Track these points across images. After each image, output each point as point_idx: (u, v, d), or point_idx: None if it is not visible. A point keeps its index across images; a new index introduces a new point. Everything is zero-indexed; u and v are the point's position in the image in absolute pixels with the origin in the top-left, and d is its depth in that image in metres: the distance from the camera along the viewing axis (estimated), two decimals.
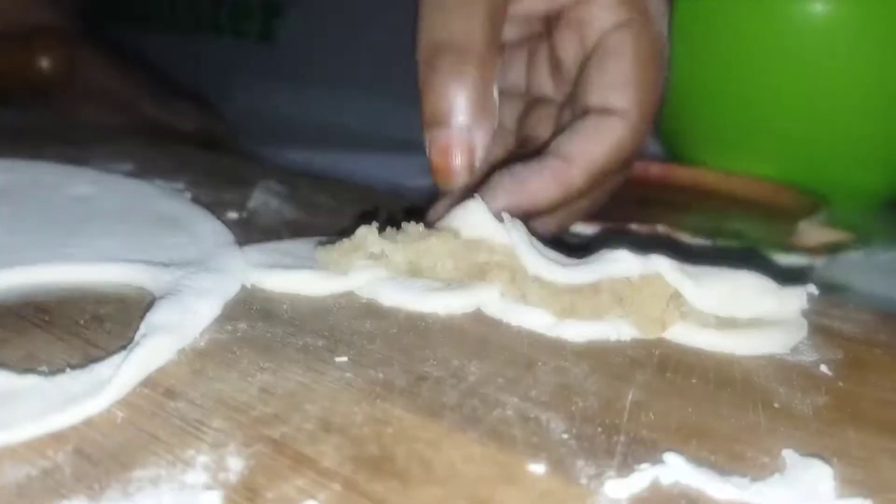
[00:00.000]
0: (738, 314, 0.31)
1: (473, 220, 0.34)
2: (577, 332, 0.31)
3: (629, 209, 0.64)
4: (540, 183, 0.38)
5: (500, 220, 0.33)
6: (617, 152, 0.39)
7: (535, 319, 0.31)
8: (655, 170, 0.72)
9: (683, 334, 0.31)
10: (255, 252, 0.36)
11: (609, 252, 0.31)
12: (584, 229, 0.52)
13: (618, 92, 0.39)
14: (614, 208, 0.55)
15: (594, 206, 0.44)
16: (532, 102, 0.46)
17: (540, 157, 0.39)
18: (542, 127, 0.44)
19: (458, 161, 0.35)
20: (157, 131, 0.72)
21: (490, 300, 0.32)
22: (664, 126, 0.81)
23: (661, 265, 0.31)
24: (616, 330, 0.31)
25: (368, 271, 0.34)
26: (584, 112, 0.40)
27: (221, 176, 0.53)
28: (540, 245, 0.33)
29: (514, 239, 0.32)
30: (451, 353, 0.29)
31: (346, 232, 0.35)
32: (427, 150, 0.36)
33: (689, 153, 0.79)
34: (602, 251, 0.31)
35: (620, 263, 0.31)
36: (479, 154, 0.35)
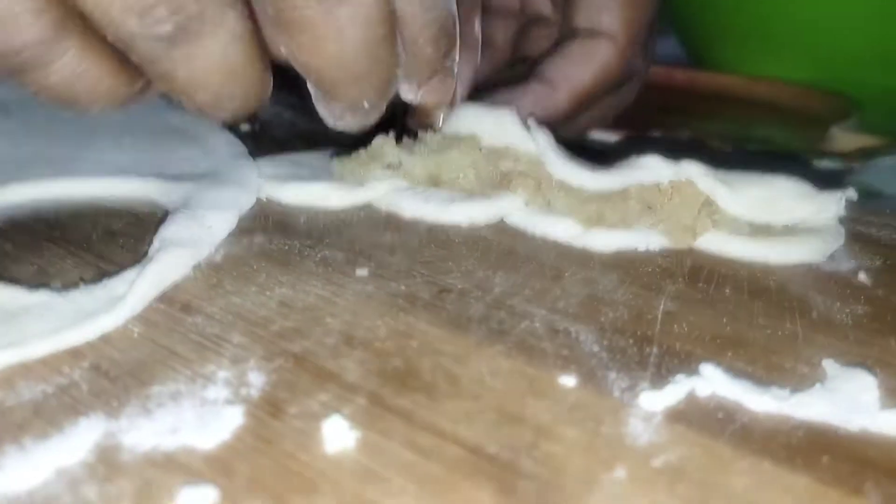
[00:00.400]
0: (774, 220, 0.30)
1: (497, 128, 0.32)
2: (605, 241, 0.29)
3: (652, 117, 0.62)
4: (523, 108, 0.36)
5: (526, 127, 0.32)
6: (603, 75, 0.38)
7: (561, 229, 0.30)
8: (679, 76, 0.69)
9: (715, 243, 0.30)
10: (270, 164, 0.35)
11: (638, 158, 0.30)
12: (606, 136, 0.50)
13: (605, 13, 0.38)
14: (636, 115, 0.53)
15: (590, 126, 0.43)
16: (529, 22, 0.44)
17: (525, 81, 0.38)
18: (539, 47, 0.43)
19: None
20: None
21: (514, 209, 0.31)
22: (687, 30, 0.78)
23: (693, 171, 0.29)
24: (645, 239, 0.30)
25: (387, 182, 0.32)
26: (572, 34, 0.39)
27: None
28: (566, 152, 0.31)
29: (541, 144, 0.31)
30: (475, 264, 0.28)
31: (363, 142, 0.33)
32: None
33: (713, 57, 0.76)
34: (631, 157, 0.30)
35: (651, 169, 0.29)
36: (461, 90, 0.34)
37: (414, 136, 0.34)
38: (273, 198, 0.32)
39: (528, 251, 0.29)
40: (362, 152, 0.33)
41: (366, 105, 0.27)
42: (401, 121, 0.35)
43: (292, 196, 0.32)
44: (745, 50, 0.72)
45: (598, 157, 0.32)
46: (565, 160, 0.30)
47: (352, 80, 0.26)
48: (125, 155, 0.35)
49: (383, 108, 0.29)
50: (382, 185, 0.32)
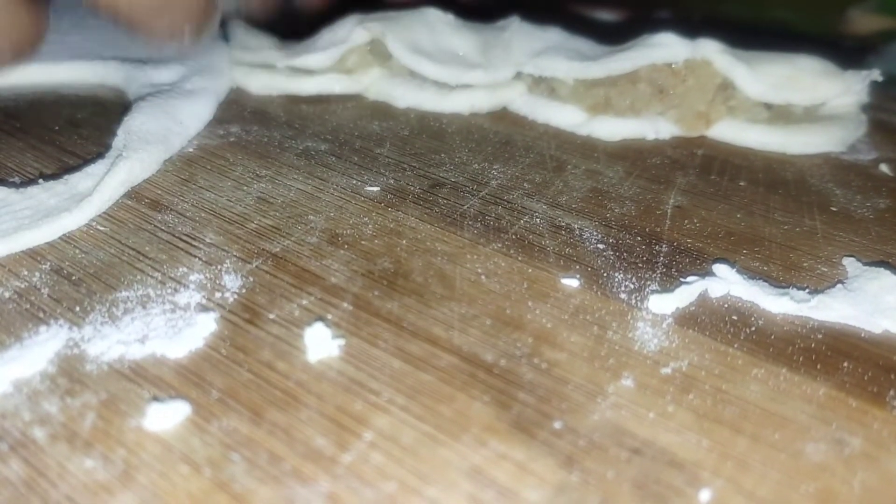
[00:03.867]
0: (795, 100, 0.27)
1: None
2: (612, 129, 0.27)
3: None
4: None
5: None
6: None
7: (564, 116, 0.28)
8: None
9: (731, 131, 0.28)
10: (241, 50, 0.32)
11: (652, 36, 0.27)
12: (606, 15, 0.47)
13: None
14: None
15: None
16: None
17: None
18: None
19: None
20: None
21: (517, 96, 0.29)
22: None
23: (711, 48, 0.27)
24: (654, 127, 0.27)
25: (375, 70, 0.30)
26: None
27: None
28: (565, 35, 0.28)
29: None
30: (469, 156, 0.26)
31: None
32: None
33: None
34: (644, 35, 0.27)
35: (665, 47, 0.27)
36: None
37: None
38: (243, 87, 0.30)
39: (526, 141, 0.27)
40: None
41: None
42: None
43: (264, 85, 0.30)
44: None
45: (605, 35, 0.29)
46: (563, 58, 0.27)
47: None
48: (89, 38, 0.32)
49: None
50: (370, 74, 0.30)
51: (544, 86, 0.28)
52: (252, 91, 0.29)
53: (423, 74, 0.28)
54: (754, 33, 0.42)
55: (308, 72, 0.29)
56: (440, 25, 0.29)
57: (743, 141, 0.27)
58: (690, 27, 0.30)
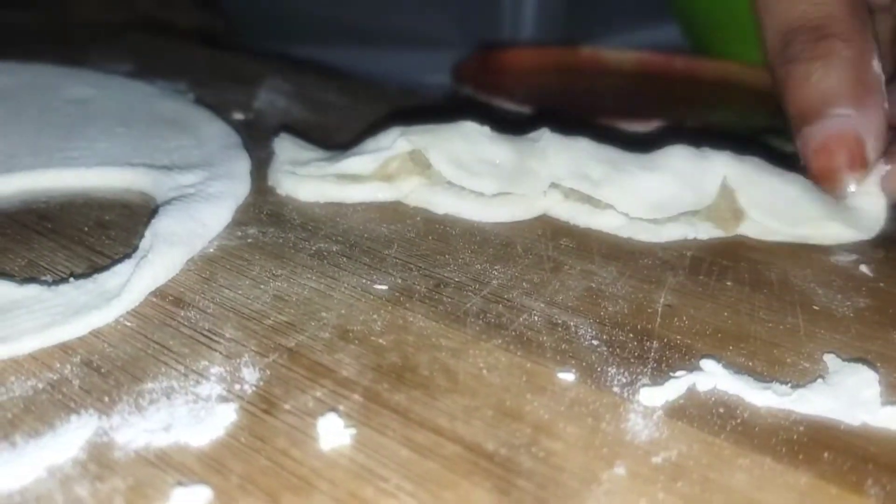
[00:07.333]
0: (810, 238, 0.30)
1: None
2: (653, 232, 0.29)
3: (652, 107, 0.61)
4: None
5: None
6: None
7: (606, 221, 0.30)
8: (679, 64, 0.69)
9: (757, 228, 0.30)
10: (289, 161, 0.34)
11: (665, 149, 0.30)
12: (639, 127, 0.49)
13: None
14: (638, 105, 0.52)
15: None
16: None
17: None
18: None
19: (843, 159, 0.28)
20: (155, 28, 0.69)
21: (554, 204, 0.31)
22: (688, 16, 0.77)
23: (721, 170, 0.29)
24: (694, 228, 0.30)
25: (415, 179, 0.31)
26: None
27: (225, 75, 0.50)
28: (595, 144, 0.31)
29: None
30: (472, 257, 0.27)
31: (365, 134, 0.33)
32: (803, 155, 0.29)
33: (715, 46, 0.75)
34: (665, 148, 0.30)
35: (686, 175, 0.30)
36: (872, 144, 0.28)
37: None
38: (292, 195, 0.32)
39: (526, 243, 0.29)
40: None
41: None
42: None
43: (312, 193, 0.31)
44: (747, 37, 0.72)
45: (627, 145, 0.32)
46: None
47: None
48: (116, 145, 0.34)
49: None
50: (411, 182, 0.31)
51: (580, 193, 0.30)
52: (301, 198, 0.31)
53: (464, 186, 0.30)
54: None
55: (353, 180, 0.31)
56: (477, 136, 0.31)
57: (773, 236, 0.30)
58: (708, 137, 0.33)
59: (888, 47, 0.34)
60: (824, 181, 0.29)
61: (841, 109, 0.28)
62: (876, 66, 0.29)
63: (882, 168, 0.29)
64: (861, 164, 0.28)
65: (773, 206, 0.29)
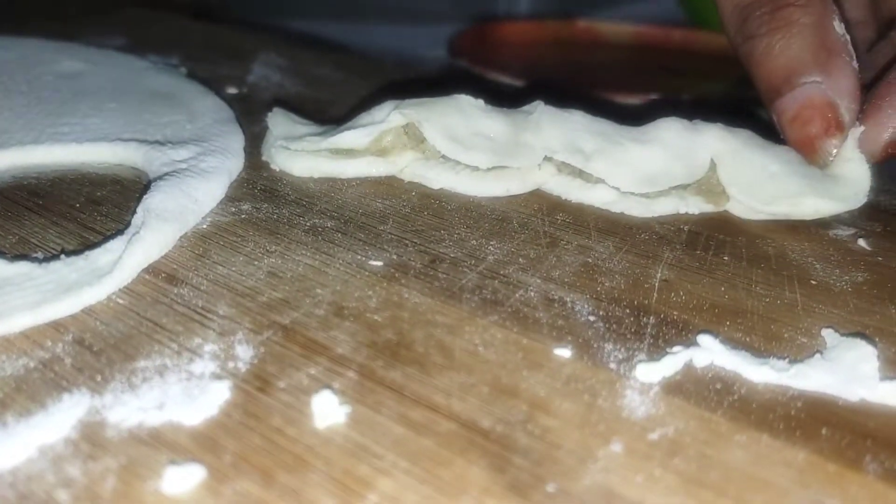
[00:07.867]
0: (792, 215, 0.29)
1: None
2: (645, 207, 0.29)
3: (650, 79, 0.61)
4: None
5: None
6: None
7: (598, 195, 0.30)
8: (677, 36, 0.68)
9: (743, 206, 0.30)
10: (283, 135, 0.33)
11: (657, 122, 0.30)
12: (632, 100, 0.49)
13: None
14: (634, 78, 0.52)
15: None
16: (885, 27, 0.35)
17: None
18: None
19: (819, 125, 0.28)
20: (148, 2, 0.68)
21: (548, 178, 0.30)
22: None
23: (712, 146, 0.29)
24: (685, 203, 0.29)
25: (409, 154, 0.31)
26: None
27: (218, 49, 0.50)
28: (589, 117, 0.30)
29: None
30: (467, 233, 0.27)
31: (359, 109, 0.32)
32: (780, 128, 0.29)
33: (712, 18, 0.74)
34: (657, 121, 0.30)
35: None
36: (846, 105, 0.28)
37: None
38: (286, 170, 0.31)
39: (522, 218, 0.28)
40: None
41: None
42: None
43: (306, 168, 0.31)
44: None
45: (621, 118, 0.31)
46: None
47: None
48: (108, 120, 0.34)
49: None
50: (405, 157, 0.31)
51: (573, 167, 0.30)
52: (295, 174, 0.31)
53: (458, 160, 0.30)
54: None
55: (348, 155, 0.31)
56: (472, 110, 0.31)
57: (755, 216, 0.29)
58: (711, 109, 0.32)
59: (866, 11, 0.34)
60: (805, 151, 0.29)
61: (809, 77, 0.28)
62: (838, 27, 0.28)
63: (857, 129, 0.29)
64: (837, 128, 0.28)
65: (750, 184, 0.29)
